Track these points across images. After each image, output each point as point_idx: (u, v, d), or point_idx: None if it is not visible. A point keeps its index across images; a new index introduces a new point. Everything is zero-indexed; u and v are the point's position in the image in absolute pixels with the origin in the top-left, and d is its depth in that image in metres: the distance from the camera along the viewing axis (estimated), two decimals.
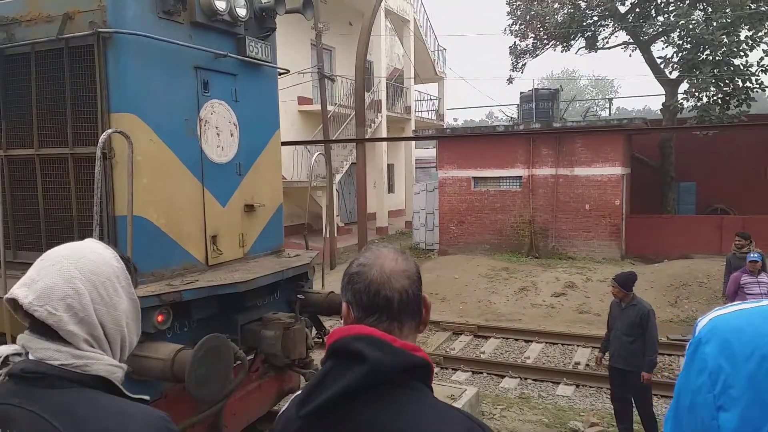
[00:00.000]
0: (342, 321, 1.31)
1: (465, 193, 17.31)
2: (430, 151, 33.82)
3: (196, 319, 4.28)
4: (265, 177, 5.44)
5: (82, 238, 1.35)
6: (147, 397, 1.26)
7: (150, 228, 4.14)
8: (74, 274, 1.20)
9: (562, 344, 10.33)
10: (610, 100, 28.69)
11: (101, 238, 3.61)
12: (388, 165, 24.39)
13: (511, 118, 22.70)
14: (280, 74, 5.75)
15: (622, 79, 62.16)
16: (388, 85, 23.64)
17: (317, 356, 3.95)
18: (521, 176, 16.63)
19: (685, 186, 18.11)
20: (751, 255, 8.23)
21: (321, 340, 5.26)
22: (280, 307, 5.07)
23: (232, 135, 4.96)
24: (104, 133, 3.64)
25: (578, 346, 10.15)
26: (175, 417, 4.09)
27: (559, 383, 8.48)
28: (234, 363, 3.99)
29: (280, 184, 5.84)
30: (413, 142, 26.87)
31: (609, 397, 7.81)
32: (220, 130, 4.81)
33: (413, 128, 24.79)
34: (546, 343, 10.39)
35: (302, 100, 20.35)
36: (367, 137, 14.20)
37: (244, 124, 5.08)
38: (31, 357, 1.16)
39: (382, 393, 1.15)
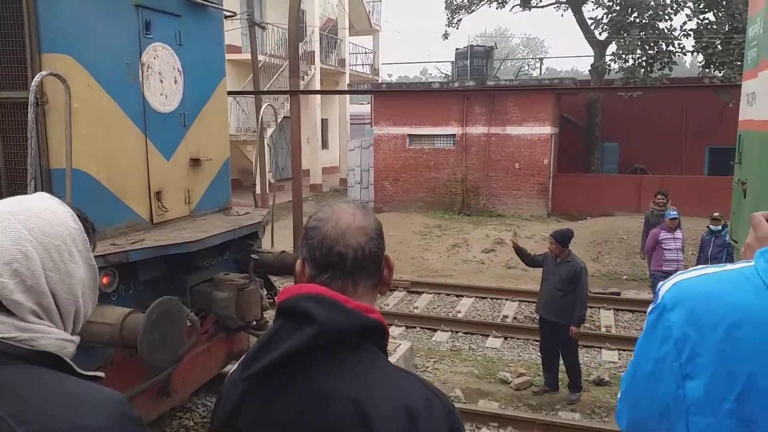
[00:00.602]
0: (296, 279, 1.24)
1: (400, 150, 17.28)
2: (364, 107, 33.42)
3: (143, 281, 4.07)
4: (211, 129, 5.13)
5: (12, 194, 1.15)
6: (101, 375, 1.12)
7: (90, 183, 3.83)
8: (23, 234, 1.03)
9: (491, 298, 10.67)
10: (541, 60, 29.19)
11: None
12: (322, 120, 23.91)
13: (446, 75, 22.68)
14: (227, 17, 5.40)
15: (552, 39, 63.64)
16: (322, 35, 22.94)
17: (271, 317, 3.84)
18: (455, 134, 16.75)
19: (608, 146, 18.87)
20: (670, 212, 8.70)
21: (272, 301, 5.14)
22: (228, 267, 4.89)
23: (176, 82, 4.62)
24: (38, 76, 3.27)
25: (506, 300, 10.52)
26: (123, 384, 3.87)
27: (488, 336, 8.78)
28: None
29: (226, 137, 5.55)
30: (347, 97, 26.41)
31: (536, 348, 8.18)
32: (163, 77, 4.46)
33: (348, 82, 24.31)
34: (476, 297, 10.71)
35: (231, 49, 19.40)
36: (301, 89, 13.72)
37: (189, 70, 4.74)
38: None
39: (332, 355, 1.09)
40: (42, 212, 1.08)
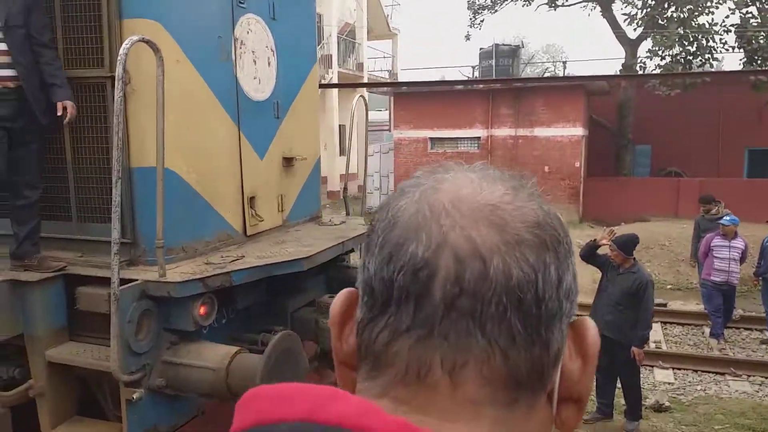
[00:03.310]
0: (332, 331, 0.54)
1: (421, 154, 16.58)
2: (382, 114, 32.78)
3: (239, 309, 3.33)
4: (304, 123, 4.38)
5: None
6: None
7: (179, 185, 3.05)
8: None
9: None
10: (564, 63, 28.43)
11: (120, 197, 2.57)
12: (340, 126, 23.34)
13: (468, 77, 21.98)
14: None
15: (571, 45, 62.80)
16: (340, 39, 22.41)
17: None
18: (480, 137, 16.02)
19: (641, 149, 17.97)
20: (724, 219, 7.92)
21: None
22: (320, 288, 4.14)
23: (269, 64, 3.87)
24: (127, 41, 2.52)
25: None
26: None
27: None
28: None
29: (318, 133, 4.74)
30: (366, 104, 25.79)
31: None
32: (256, 56, 3.71)
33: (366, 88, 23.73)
34: None
35: None
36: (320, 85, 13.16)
37: (282, 51, 3.98)
38: None
39: None
40: None
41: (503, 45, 17.22)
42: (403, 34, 29.94)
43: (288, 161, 4.09)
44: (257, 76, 3.71)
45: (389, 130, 19.00)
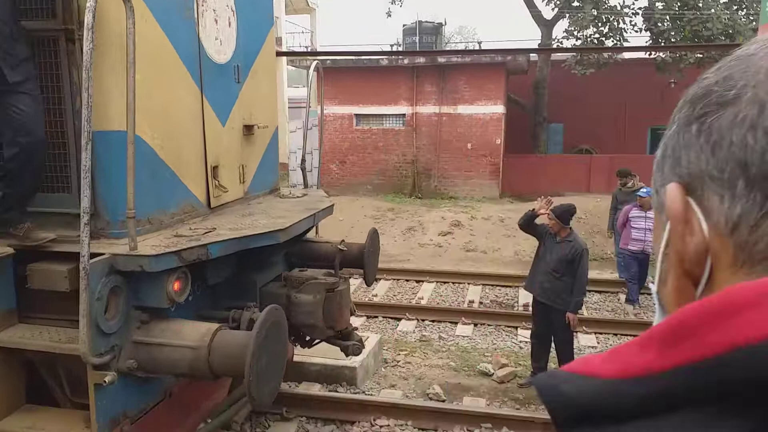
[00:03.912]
0: (673, 233, 0.44)
1: (347, 131, 16.46)
2: (301, 91, 32.20)
3: (209, 285, 3.16)
4: (263, 88, 4.20)
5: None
6: None
7: (145, 151, 2.82)
8: None
9: (453, 283, 10.23)
10: (480, 43, 29.06)
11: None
12: None
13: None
14: None
15: (483, 28, 64.33)
16: None
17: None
18: (405, 114, 16.11)
19: (554, 126, 18.81)
20: (641, 191, 8.48)
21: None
22: (283, 263, 4.04)
23: (230, 25, 3.65)
24: None
25: (469, 284, 10.10)
26: (183, 421, 2.84)
27: (457, 323, 8.27)
28: None
29: (276, 100, 4.57)
30: (285, 80, 25.18)
31: (510, 334, 7.74)
32: (217, 15, 3.48)
33: (286, 62, 23.12)
34: (437, 282, 10.24)
35: None
36: None
37: (241, 11, 3.76)
38: None
39: None
40: None
41: (426, 22, 17.34)
42: (321, 10, 29.42)
43: (248, 129, 3.93)
44: (218, 37, 3.52)
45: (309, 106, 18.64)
